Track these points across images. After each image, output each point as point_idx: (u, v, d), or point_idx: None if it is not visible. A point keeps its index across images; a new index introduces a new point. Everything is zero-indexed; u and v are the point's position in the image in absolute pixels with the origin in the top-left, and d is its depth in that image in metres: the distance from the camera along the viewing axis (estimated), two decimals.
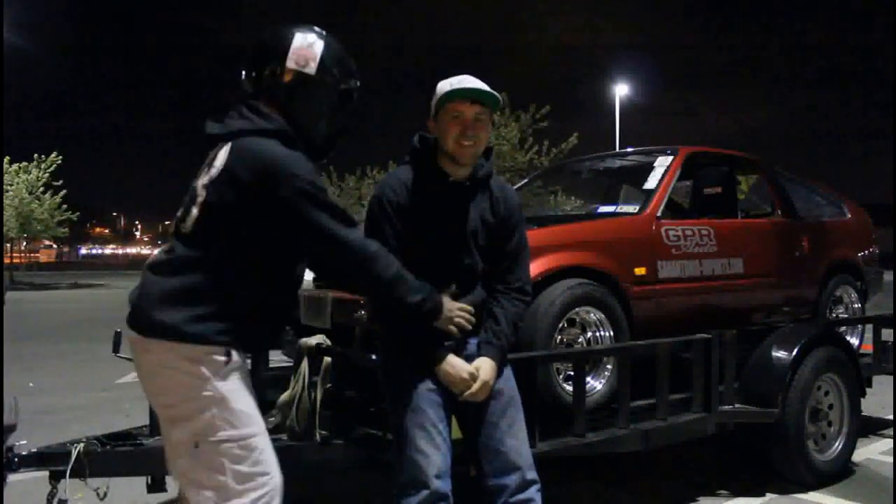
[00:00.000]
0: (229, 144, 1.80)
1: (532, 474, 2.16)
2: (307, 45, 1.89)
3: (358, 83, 2.01)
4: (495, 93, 2.15)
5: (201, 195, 1.80)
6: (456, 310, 2.08)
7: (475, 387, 2.10)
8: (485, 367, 2.12)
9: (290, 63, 1.87)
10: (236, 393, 1.78)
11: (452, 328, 2.09)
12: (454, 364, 2.10)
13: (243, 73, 1.94)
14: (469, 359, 2.15)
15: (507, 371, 2.27)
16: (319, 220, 1.78)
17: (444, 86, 2.16)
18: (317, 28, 1.96)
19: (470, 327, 2.12)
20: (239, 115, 1.85)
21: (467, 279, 2.20)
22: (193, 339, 1.73)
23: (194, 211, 1.80)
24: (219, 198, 1.77)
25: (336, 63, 1.93)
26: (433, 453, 2.07)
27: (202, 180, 1.82)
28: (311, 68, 1.89)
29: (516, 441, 2.16)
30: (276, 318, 1.97)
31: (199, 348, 1.73)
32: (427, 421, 2.09)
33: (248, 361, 1.96)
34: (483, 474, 2.19)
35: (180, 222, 1.83)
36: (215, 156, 1.82)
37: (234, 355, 1.78)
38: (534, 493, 2.15)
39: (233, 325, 1.77)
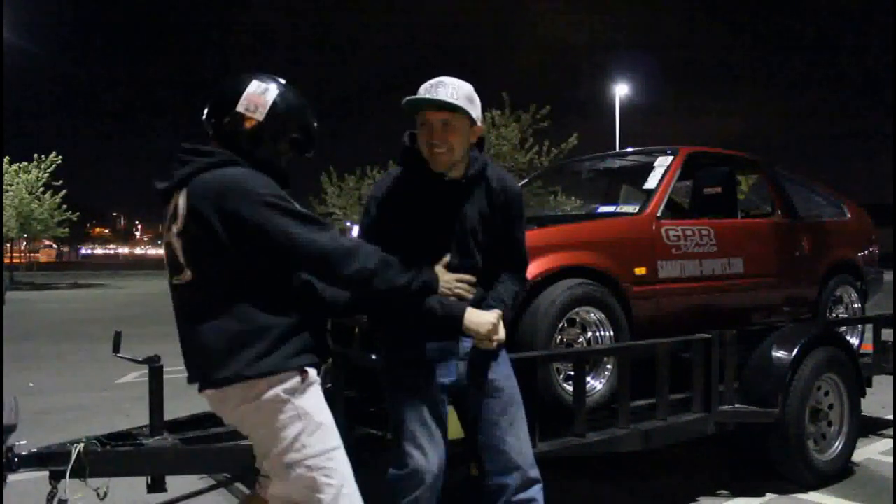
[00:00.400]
0: (185, 190, 1.85)
1: (534, 473, 2.16)
2: (260, 92, 1.94)
3: (311, 135, 2.04)
4: (458, 102, 2.04)
5: (179, 246, 1.85)
6: (453, 280, 2.08)
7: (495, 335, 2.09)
8: (494, 313, 2.12)
9: (240, 108, 1.92)
10: (318, 406, 1.88)
11: (452, 298, 2.07)
12: (477, 316, 2.08)
13: (204, 117, 1.98)
14: (464, 359, 2.17)
15: (508, 369, 2.27)
16: (287, 228, 1.80)
17: (420, 90, 2.10)
18: (279, 79, 2.00)
19: (469, 296, 2.10)
20: (181, 162, 1.89)
21: (472, 273, 2.17)
22: (264, 374, 1.80)
23: (182, 263, 1.85)
24: (196, 240, 1.81)
25: (288, 112, 1.96)
26: (431, 445, 2.08)
27: (173, 231, 1.86)
28: (260, 114, 1.92)
29: (517, 440, 2.16)
30: (320, 318, 2.01)
31: (272, 378, 1.81)
32: (425, 415, 2.10)
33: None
34: (485, 473, 2.20)
35: (177, 275, 1.87)
36: (176, 205, 1.86)
37: (310, 371, 1.86)
38: (536, 492, 2.15)
39: (291, 344, 1.84)
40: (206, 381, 1.87)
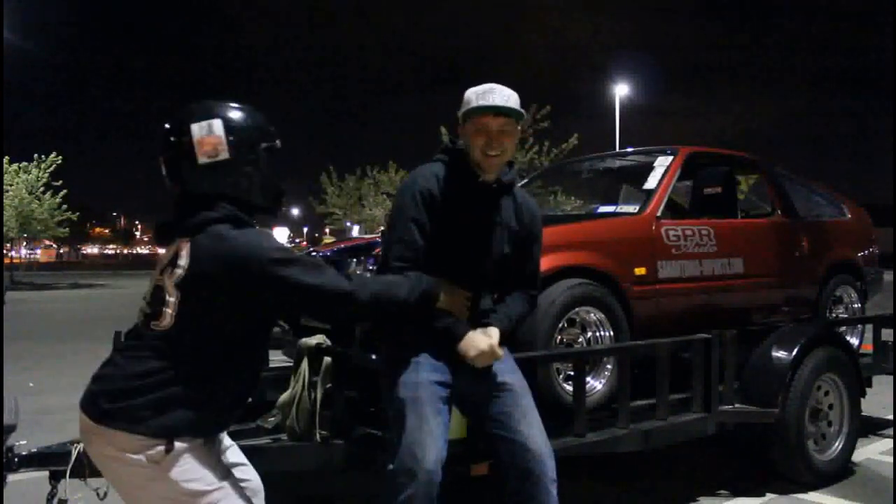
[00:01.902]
0: (189, 242, 1.79)
1: (550, 463, 2.16)
2: (207, 133, 1.81)
3: (275, 139, 1.93)
4: (518, 108, 2.18)
5: (174, 296, 1.78)
6: (457, 295, 2.14)
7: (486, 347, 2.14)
8: (494, 332, 2.18)
9: (203, 159, 1.81)
10: (188, 474, 1.75)
11: (451, 310, 2.14)
12: (473, 341, 2.14)
13: (163, 170, 1.88)
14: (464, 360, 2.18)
15: (513, 363, 2.30)
16: (292, 276, 1.77)
17: (471, 96, 2.19)
18: (211, 104, 1.87)
19: (466, 313, 2.17)
20: (183, 212, 1.83)
21: (485, 282, 2.26)
22: (133, 430, 1.70)
23: (168, 311, 1.77)
24: (194, 297, 1.76)
25: (244, 133, 1.86)
26: (429, 443, 2.07)
27: (170, 279, 1.79)
28: (224, 153, 1.82)
29: (532, 430, 2.17)
30: (236, 405, 1.92)
31: (136, 439, 1.70)
32: (423, 413, 2.10)
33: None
34: (499, 465, 2.20)
35: (151, 320, 1.80)
36: (177, 252, 1.80)
37: (177, 443, 1.73)
38: (552, 484, 2.14)
39: (186, 417, 1.74)
40: (85, 407, 1.79)
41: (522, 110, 2.22)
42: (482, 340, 2.13)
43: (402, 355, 2.20)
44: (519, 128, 2.25)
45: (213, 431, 1.84)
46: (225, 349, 1.80)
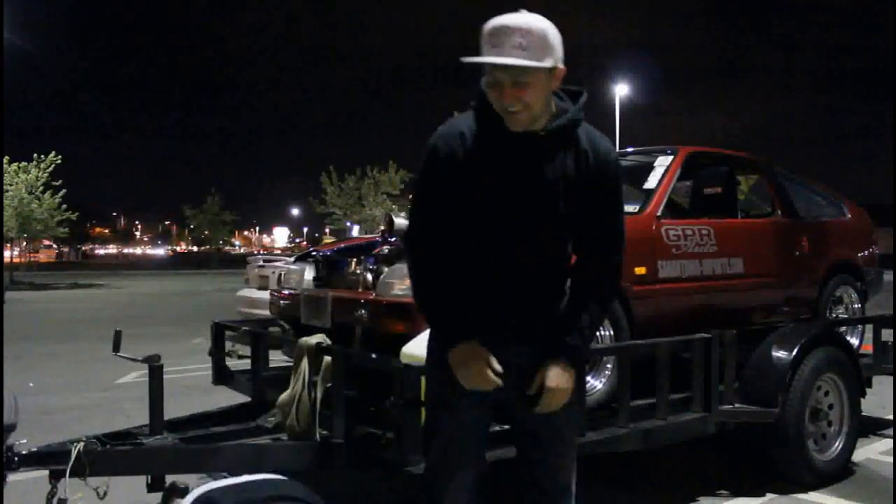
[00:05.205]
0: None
1: (571, 488, 1.96)
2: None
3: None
4: (521, 63, 1.65)
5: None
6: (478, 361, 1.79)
7: (546, 399, 1.80)
8: (552, 373, 1.78)
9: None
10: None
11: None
12: (469, 353, 1.76)
13: None
14: (518, 368, 1.82)
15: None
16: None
17: (483, 36, 1.70)
18: None
19: (489, 381, 1.78)
20: None
21: (546, 257, 1.83)
22: None
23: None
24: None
25: None
26: (454, 477, 1.88)
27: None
28: None
29: (554, 485, 1.94)
30: None
31: None
32: (456, 436, 1.88)
33: None
34: (523, 486, 1.98)
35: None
36: None
37: None
38: None
39: None
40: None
41: (535, 59, 1.65)
42: (473, 360, 1.75)
43: (441, 357, 1.83)
44: (558, 68, 1.71)
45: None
46: None
